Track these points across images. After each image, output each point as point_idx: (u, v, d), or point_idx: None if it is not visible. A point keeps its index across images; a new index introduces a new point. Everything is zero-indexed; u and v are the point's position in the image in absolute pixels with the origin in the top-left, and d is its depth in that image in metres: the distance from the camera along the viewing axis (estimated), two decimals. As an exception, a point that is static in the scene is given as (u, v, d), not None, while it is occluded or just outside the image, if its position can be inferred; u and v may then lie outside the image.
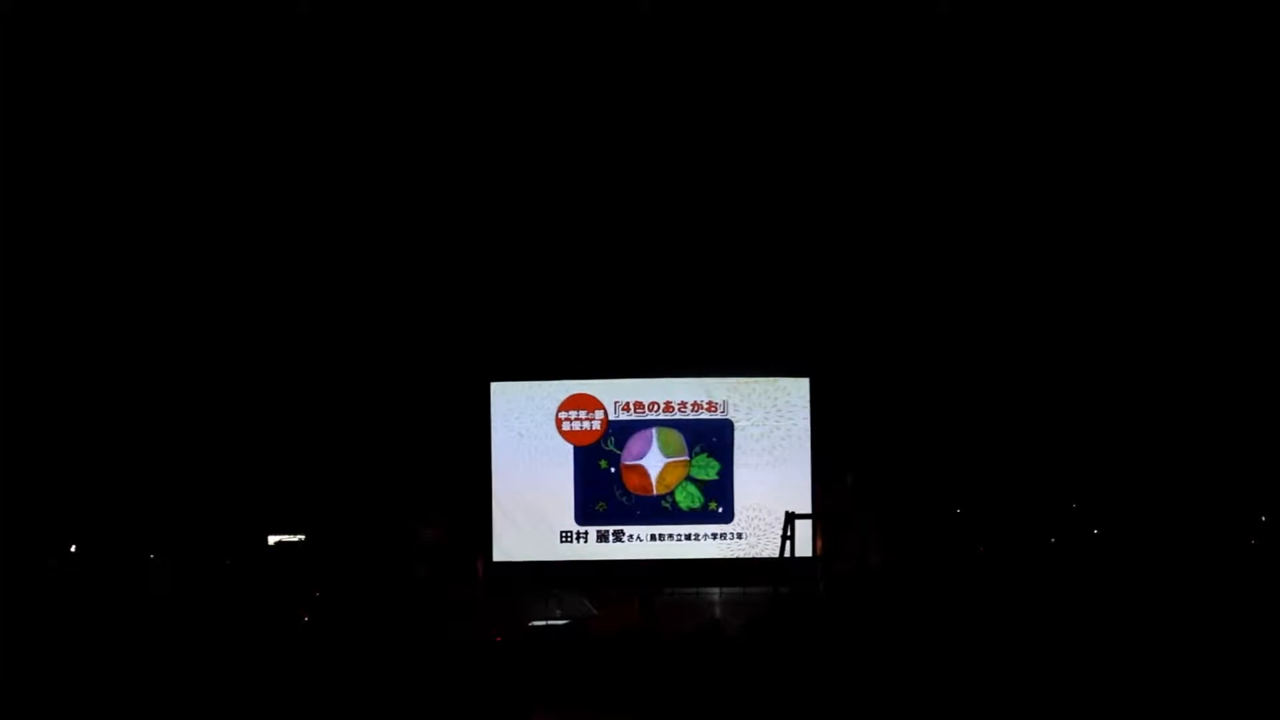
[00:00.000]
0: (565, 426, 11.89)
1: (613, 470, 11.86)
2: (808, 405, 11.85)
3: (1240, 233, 10.61)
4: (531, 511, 11.83)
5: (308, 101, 10.58)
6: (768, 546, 11.44)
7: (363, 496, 11.40)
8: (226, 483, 11.31)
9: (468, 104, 10.70)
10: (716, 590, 11.59)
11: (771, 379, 11.91)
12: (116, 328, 11.30)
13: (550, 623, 10.72)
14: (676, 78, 10.10)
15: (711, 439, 11.89)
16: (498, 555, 11.75)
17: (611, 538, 11.80)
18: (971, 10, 8.76)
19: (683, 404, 11.88)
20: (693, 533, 11.83)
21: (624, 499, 11.84)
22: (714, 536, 11.83)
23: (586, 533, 11.82)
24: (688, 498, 11.82)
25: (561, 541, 11.81)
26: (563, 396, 11.92)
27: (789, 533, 10.03)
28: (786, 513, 10.19)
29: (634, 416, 11.87)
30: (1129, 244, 10.94)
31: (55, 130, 10.28)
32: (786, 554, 10.03)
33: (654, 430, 11.87)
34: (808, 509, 11.24)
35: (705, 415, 11.86)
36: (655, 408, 11.88)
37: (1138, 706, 7.39)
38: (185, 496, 11.20)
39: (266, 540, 11.06)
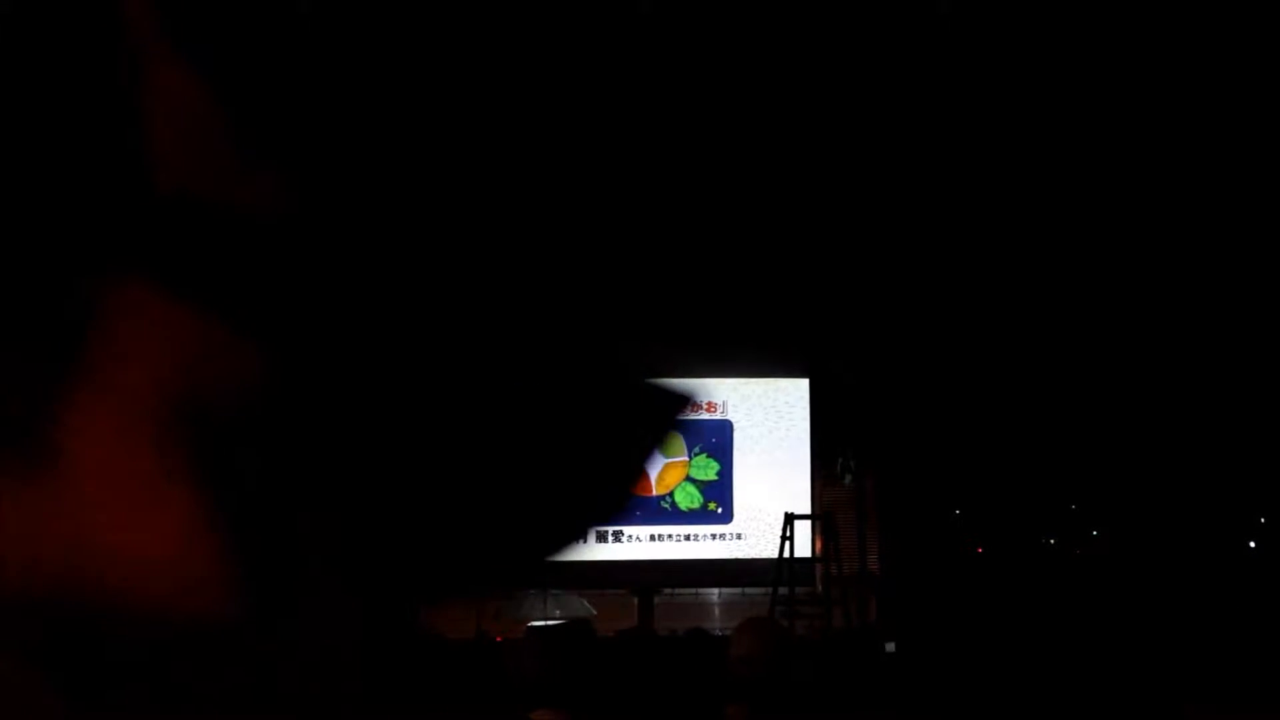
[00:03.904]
0: (564, 427, 11.86)
1: (612, 470, 11.82)
2: (807, 406, 11.83)
3: (1240, 235, 10.62)
4: (531, 512, 11.79)
5: (300, 103, 10.56)
6: (767, 547, 11.43)
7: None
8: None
9: (462, 107, 10.68)
10: (715, 591, 11.58)
11: (771, 379, 11.89)
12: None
13: (548, 623, 10.71)
14: (675, 78, 10.10)
15: (711, 439, 11.83)
16: (496, 555, 11.73)
17: (610, 538, 11.75)
18: (971, 10, 8.77)
19: (682, 404, 11.85)
20: (692, 533, 11.79)
21: (623, 499, 11.80)
22: (713, 537, 11.79)
23: (585, 533, 11.75)
24: (687, 498, 11.78)
25: (560, 542, 11.77)
26: (562, 397, 11.90)
27: (788, 533, 10.06)
28: (786, 514, 10.21)
29: (633, 417, 11.84)
30: (1129, 245, 10.94)
31: (50, 129, 10.27)
32: (785, 554, 10.05)
33: (653, 431, 11.84)
34: (807, 510, 11.25)
35: (705, 416, 11.80)
36: (654, 408, 11.84)
37: (1134, 710, 7.41)
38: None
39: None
